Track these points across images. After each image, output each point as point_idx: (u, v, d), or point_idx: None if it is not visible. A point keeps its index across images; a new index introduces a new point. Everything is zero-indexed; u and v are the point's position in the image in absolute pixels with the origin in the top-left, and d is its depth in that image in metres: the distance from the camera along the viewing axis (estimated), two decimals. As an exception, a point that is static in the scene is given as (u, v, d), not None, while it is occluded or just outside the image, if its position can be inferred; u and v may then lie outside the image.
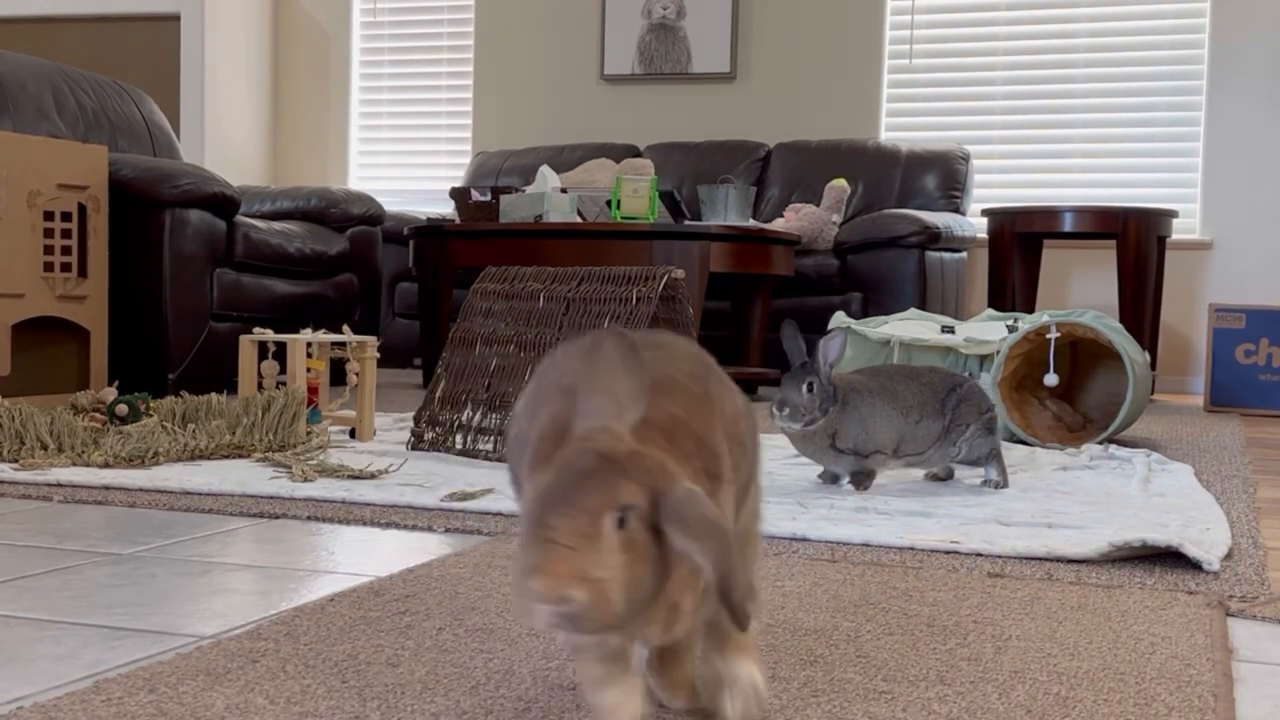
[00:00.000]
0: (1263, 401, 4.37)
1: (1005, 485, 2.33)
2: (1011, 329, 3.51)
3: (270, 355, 2.90)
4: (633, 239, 4.11)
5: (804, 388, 2.14)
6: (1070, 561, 1.71)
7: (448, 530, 1.88)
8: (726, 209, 4.47)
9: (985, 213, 5.10)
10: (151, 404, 2.83)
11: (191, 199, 3.87)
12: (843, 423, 2.20)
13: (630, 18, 6.16)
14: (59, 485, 2.20)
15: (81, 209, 3.56)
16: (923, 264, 4.84)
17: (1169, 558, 1.72)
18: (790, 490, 2.25)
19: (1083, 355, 3.39)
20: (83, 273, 3.56)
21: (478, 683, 1.12)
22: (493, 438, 2.63)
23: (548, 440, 0.89)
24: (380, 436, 2.95)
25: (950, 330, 3.68)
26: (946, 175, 5.48)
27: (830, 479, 2.33)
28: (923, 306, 4.77)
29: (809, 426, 2.17)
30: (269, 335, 2.88)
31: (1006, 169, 5.79)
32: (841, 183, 5.12)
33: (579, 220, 4.41)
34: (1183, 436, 3.45)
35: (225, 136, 6.46)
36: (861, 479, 2.26)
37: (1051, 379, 3.07)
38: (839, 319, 3.76)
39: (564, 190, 4.50)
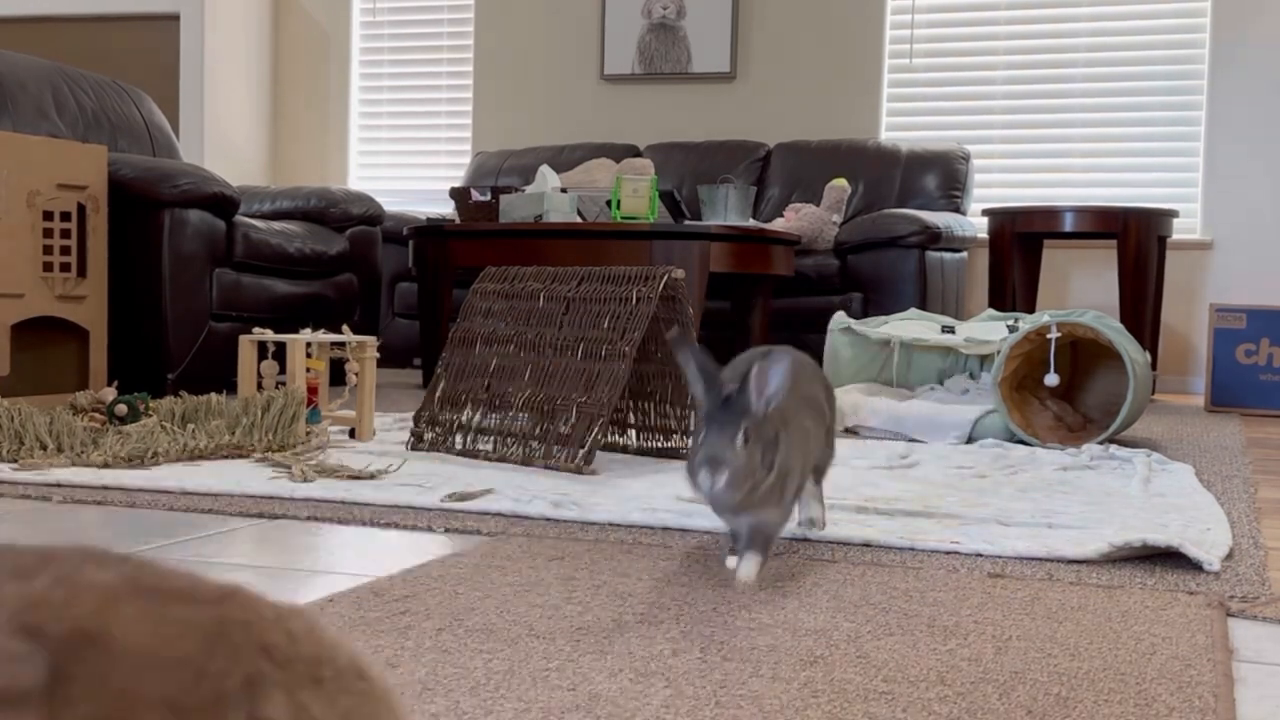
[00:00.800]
0: (1263, 401, 4.37)
1: (824, 526, 1.83)
2: (1012, 329, 3.51)
3: (270, 355, 2.89)
4: (633, 239, 4.10)
5: (739, 439, 1.42)
6: (1070, 562, 1.70)
7: (447, 531, 1.87)
8: (726, 209, 4.47)
9: (985, 213, 5.10)
10: (151, 404, 2.83)
11: (191, 199, 3.87)
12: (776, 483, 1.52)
13: (630, 17, 6.15)
14: (58, 485, 2.20)
15: (81, 209, 3.55)
16: (923, 264, 4.84)
17: (1169, 558, 1.72)
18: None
19: (1083, 355, 3.38)
20: (82, 273, 3.56)
21: (478, 683, 1.12)
22: (492, 438, 2.63)
23: None
24: (380, 436, 2.95)
25: (950, 330, 3.68)
26: (946, 175, 5.48)
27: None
28: (923, 306, 4.77)
29: (753, 494, 1.46)
30: (269, 335, 2.88)
31: (1006, 169, 5.78)
32: (841, 183, 5.12)
33: (579, 220, 4.41)
34: (1183, 436, 3.44)
35: (225, 136, 6.46)
36: (768, 548, 1.56)
37: (1052, 379, 3.07)
38: (839, 319, 3.76)
39: (564, 190, 4.50)
